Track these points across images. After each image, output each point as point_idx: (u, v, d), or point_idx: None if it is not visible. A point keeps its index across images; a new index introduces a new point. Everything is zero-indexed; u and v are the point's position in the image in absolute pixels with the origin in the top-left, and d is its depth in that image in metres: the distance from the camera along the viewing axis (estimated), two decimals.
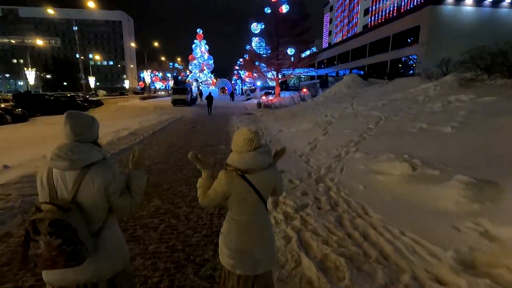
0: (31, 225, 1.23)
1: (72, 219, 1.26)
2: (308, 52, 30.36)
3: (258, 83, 49.81)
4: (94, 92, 64.59)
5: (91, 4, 28.83)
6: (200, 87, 54.71)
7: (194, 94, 33.81)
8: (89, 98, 28.50)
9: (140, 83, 76.82)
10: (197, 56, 61.28)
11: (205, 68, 61.86)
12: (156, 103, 31.45)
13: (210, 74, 65.55)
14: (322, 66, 49.74)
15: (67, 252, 1.23)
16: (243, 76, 60.53)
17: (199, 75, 62.19)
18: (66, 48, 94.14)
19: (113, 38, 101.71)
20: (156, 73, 69.60)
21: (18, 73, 75.53)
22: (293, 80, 50.85)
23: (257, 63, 31.23)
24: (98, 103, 26.79)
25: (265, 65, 30.09)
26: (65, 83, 76.74)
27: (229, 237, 1.66)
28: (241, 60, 63.12)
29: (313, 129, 9.36)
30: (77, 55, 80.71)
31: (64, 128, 1.37)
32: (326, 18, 75.70)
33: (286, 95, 28.45)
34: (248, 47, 44.12)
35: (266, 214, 1.73)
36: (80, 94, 32.96)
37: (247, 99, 39.29)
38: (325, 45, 69.08)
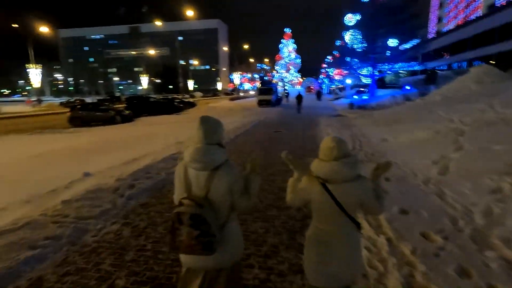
0: (176, 216, 1.44)
1: (207, 214, 1.41)
2: (407, 45, 25.50)
3: (348, 81, 45.78)
4: (191, 93, 72.36)
5: (190, 13, 31.29)
6: (286, 87, 54.04)
7: (279, 95, 33.12)
8: (185, 100, 31.09)
9: (230, 84, 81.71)
10: (284, 56, 60.90)
11: (291, 67, 60.96)
12: (243, 103, 32.09)
13: (296, 74, 64.35)
14: (428, 59, 42.03)
15: (203, 242, 1.40)
16: (331, 74, 57.02)
17: (285, 75, 61.68)
18: (173, 55, 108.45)
19: (210, 44, 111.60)
20: (245, 75, 72.69)
21: (137, 79, 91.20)
22: (389, 77, 44.78)
23: (348, 59, 28.24)
24: (192, 104, 28.89)
25: (358, 61, 26.89)
26: (170, 86, 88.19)
27: (309, 243, 1.66)
28: (329, 57, 59.77)
29: (435, 140, 6.92)
30: (181, 61, 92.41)
31: (198, 131, 1.51)
32: (435, 3, 64.30)
33: (383, 93, 24.67)
34: (338, 42, 40.89)
35: (351, 229, 1.56)
36: (179, 95, 36.54)
37: (336, 98, 36.37)
38: (431, 34, 58.76)
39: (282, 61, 61.90)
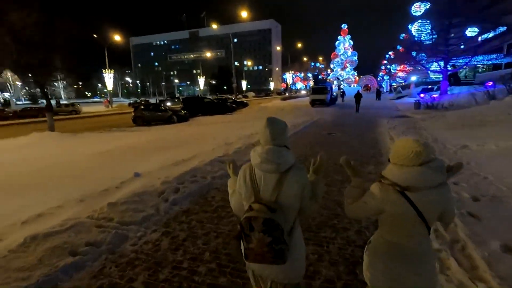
0: (247, 222, 1.32)
1: (280, 220, 1.31)
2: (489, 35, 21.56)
3: (413, 78, 41.45)
4: (244, 94, 73.87)
5: (244, 15, 31.65)
6: (342, 86, 51.53)
7: (334, 94, 31.46)
8: (238, 100, 31.60)
9: (282, 84, 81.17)
10: (340, 53, 58.07)
11: (347, 65, 57.83)
12: (294, 103, 31.35)
13: (352, 71, 60.86)
14: None
15: (275, 250, 1.31)
16: (393, 71, 52.44)
17: (341, 73, 58.78)
18: (228, 57, 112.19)
19: (263, 45, 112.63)
20: (297, 74, 71.43)
21: (195, 81, 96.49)
22: (464, 72, 39.24)
23: (414, 54, 25.43)
24: (244, 104, 29.21)
25: (426, 55, 23.99)
26: (225, 87, 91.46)
27: (376, 259, 1.49)
28: (390, 53, 55.01)
29: None
30: (236, 63, 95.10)
31: (264, 133, 1.44)
32: None
33: (458, 91, 21.53)
34: (402, 36, 37.25)
35: (428, 241, 1.44)
36: (231, 96, 37.37)
37: (398, 97, 33.15)
38: None
39: (337, 59, 59.06)
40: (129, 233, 3.29)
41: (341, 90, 36.90)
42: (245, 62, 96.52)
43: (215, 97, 33.36)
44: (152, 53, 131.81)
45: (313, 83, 31.15)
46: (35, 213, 3.79)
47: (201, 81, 56.71)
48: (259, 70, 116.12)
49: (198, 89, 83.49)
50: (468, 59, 22.13)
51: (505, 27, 20.18)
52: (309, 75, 79.65)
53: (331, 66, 61.96)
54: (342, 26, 58.40)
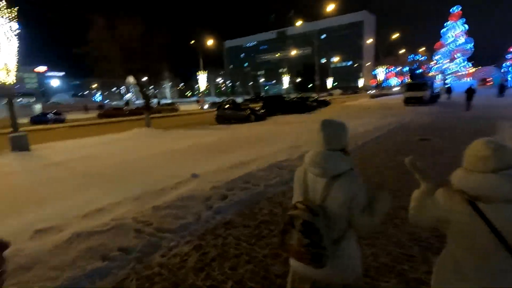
0: (289, 219, 1.35)
1: (320, 224, 1.29)
2: None
3: None
4: (330, 91, 70.57)
5: (332, 8, 29.89)
6: (448, 81, 43.62)
7: (437, 90, 26.58)
8: (319, 99, 30.21)
9: (373, 80, 74.05)
10: (447, 42, 49.01)
11: (458, 55, 48.37)
12: (384, 101, 28.00)
13: (465, 63, 50.60)
14: None
15: (312, 253, 1.29)
16: None
17: (448, 66, 49.67)
18: (314, 54, 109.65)
19: (354, 39, 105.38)
20: (391, 69, 63.73)
21: (281, 80, 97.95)
22: None
23: None
24: (326, 103, 27.69)
25: None
26: (309, 85, 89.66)
27: (442, 277, 1.33)
28: None
29: None
30: (323, 60, 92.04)
31: (318, 136, 1.42)
32: None
33: None
34: None
35: (509, 265, 1.11)
36: (313, 94, 36.03)
37: None
38: None
39: (444, 49, 50.03)
40: (162, 242, 3.15)
41: (447, 86, 30.96)
42: (332, 59, 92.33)
43: (296, 96, 32.72)
44: (243, 55, 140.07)
45: (409, 78, 27.08)
46: (97, 207, 4.10)
47: (286, 79, 56.89)
48: (348, 67, 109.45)
49: (282, 87, 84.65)
50: None
51: None
52: (406, 69, 69.92)
53: (435, 58, 52.93)
54: (453, 9, 49.05)
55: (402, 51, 64.10)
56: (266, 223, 3.61)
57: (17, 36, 10.69)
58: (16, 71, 10.77)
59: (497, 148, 1.14)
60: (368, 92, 53.54)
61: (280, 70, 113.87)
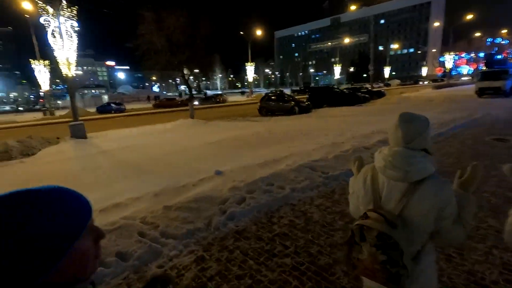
0: (358, 229, 1.15)
1: (401, 238, 1.08)
2: None
3: None
4: (387, 82, 64.94)
5: None
6: None
7: None
8: (373, 89, 27.78)
9: (438, 68, 65.85)
10: None
11: None
12: (452, 92, 24.52)
13: None
14: None
15: (390, 272, 1.09)
16: None
17: None
18: (370, 42, 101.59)
19: (418, 23, 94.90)
20: (462, 55, 55.65)
21: (333, 70, 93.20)
22: None
23: None
24: (380, 94, 25.34)
25: None
26: (364, 75, 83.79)
27: None
28: None
29: None
30: (380, 48, 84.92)
31: (395, 133, 1.19)
32: None
33: None
34: None
35: None
36: (367, 85, 33.34)
37: None
38: None
39: None
40: (163, 249, 2.88)
41: None
42: (390, 46, 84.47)
43: (346, 87, 30.58)
44: (293, 45, 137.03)
45: (484, 65, 23.22)
46: (117, 201, 4.05)
47: (337, 69, 53.78)
48: (409, 54, 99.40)
49: (334, 78, 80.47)
50: None
51: None
52: (481, 55, 59.80)
53: None
54: None
55: (478, 34, 55.57)
56: (283, 237, 3.11)
57: (76, 33, 11.63)
58: (75, 65, 11.77)
59: None
60: (435, 81, 47.86)
61: (332, 60, 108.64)
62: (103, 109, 31.38)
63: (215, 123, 14.59)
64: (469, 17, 41.44)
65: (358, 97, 20.94)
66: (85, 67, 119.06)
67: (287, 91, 45.18)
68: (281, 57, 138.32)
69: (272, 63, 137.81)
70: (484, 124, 9.55)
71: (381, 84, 57.55)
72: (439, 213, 1.13)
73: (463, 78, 54.16)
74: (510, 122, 9.56)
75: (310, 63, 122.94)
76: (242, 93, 50.45)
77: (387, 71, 60.80)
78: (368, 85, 32.68)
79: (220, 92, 51.18)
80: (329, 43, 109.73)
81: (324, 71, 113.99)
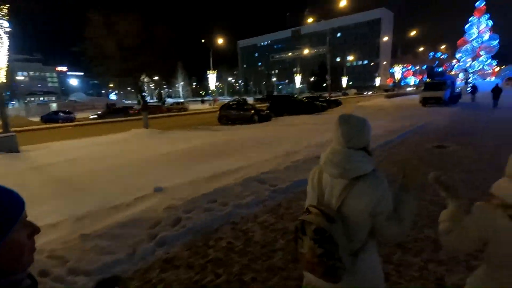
0: (300, 224, 1.21)
1: (335, 232, 1.13)
2: None
3: None
4: (344, 91, 68.52)
5: (347, 5, 28.61)
6: (471, 79, 41.15)
7: (458, 90, 24.70)
8: (330, 98, 28.96)
9: (389, 79, 71.37)
10: (471, 39, 46.25)
11: (481, 53, 45.56)
12: (401, 101, 26.39)
13: (489, 61, 47.61)
14: None
15: (327, 265, 1.13)
16: None
17: (471, 64, 46.90)
18: (330, 53, 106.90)
19: (371, 37, 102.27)
20: (409, 67, 61.02)
21: (294, 79, 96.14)
22: None
23: None
24: (337, 103, 26.45)
25: None
26: (324, 84, 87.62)
27: None
28: None
29: None
30: (338, 59, 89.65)
31: (336, 132, 1.25)
32: None
33: None
34: None
35: None
36: (325, 94, 34.72)
37: None
38: None
39: (467, 46, 47.16)
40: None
41: (470, 85, 28.86)
42: (347, 58, 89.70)
43: (305, 96, 31.55)
44: (256, 54, 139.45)
45: (426, 77, 25.39)
46: None
47: (298, 79, 55.58)
48: (364, 65, 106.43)
49: (296, 87, 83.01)
50: None
51: None
52: (424, 67, 66.37)
53: (457, 55, 50.04)
54: (477, 4, 46.14)
55: (422, 48, 61.29)
56: (217, 263, 2.78)
57: (7, 34, 10.37)
58: (21, 70, 10.47)
59: None
60: (387, 91, 51.50)
61: (294, 69, 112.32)
62: (49, 118, 28.68)
63: (172, 133, 13.91)
64: (413, 33, 45.58)
65: (317, 106, 21.59)
66: (31, 73, 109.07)
67: (251, 99, 45.49)
68: (245, 65, 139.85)
69: (236, 72, 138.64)
70: (427, 132, 10.22)
71: (340, 94, 60.51)
72: (373, 209, 1.17)
73: (408, 89, 59.20)
74: (450, 130, 10.34)
75: (273, 72, 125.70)
76: (202, 101, 49.59)
77: (344, 81, 64.28)
78: (326, 94, 34.02)
79: (182, 100, 49.82)
80: (291, 54, 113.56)
81: (287, 80, 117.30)
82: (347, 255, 1.15)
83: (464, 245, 1.17)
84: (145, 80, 16.19)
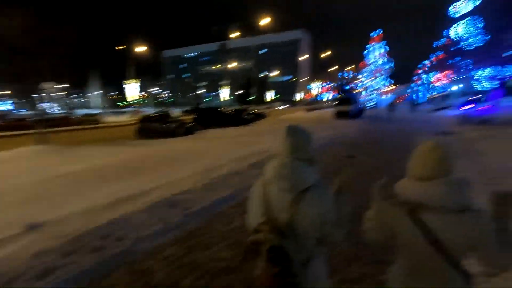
0: (251, 245, 1.18)
1: (290, 247, 1.13)
2: None
3: (454, 88, 37.09)
4: (269, 105, 72.16)
5: (266, 21, 30.22)
6: (372, 97, 48.17)
7: (361, 105, 28.50)
8: (256, 111, 29.85)
9: (308, 94, 78.55)
10: (370, 62, 54.58)
11: (380, 74, 54.12)
12: (318, 115, 28.85)
13: (385, 81, 56.84)
14: None
15: (283, 283, 1.11)
16: (429, 80, 47.88)
17: (371, 83, 55.16)
18: (255, 68, 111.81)
19: (292, 55, 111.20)
20: (324, 84, 68.53)
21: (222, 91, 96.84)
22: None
23: (457, 59, 22.09)
24: (262, 116, 27.33)
25: (473, 61, 20.64)
26: (251, 98, 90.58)
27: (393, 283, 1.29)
28: (427, 62, 50.40)
29: None
30: (264, 73, 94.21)
31: (283, 144, 1.27)
32: None
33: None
34: (442, 41, 33.70)
35: (456, 281, 1.10)
36: (251, 107, 35.74)
37: (438, 109, 29.36)
38: None
39: (368, 68, 55.53)
40: None
41: (371, 101, 33.70)
42: (271, 73, 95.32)
43: (232, 108, 31.88)
44: (183, 65, 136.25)
45: (338, 93, 28.56)
46: None
47: (226, 91, 56.16)
48: (287, 81, 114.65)
49: (224, 99, 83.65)
50: None
51: None
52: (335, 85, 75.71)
53: (360, 76, 58.42)
54: (372, 34, 54.99)
55: (334, 68, 69.46)
56: None
57: None
58: None
59: (443, 155, 1.12)
60: (307, 105, 55.98)
61: (222, 82, 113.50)
62: None
63: (78, 149, 11.88)
64: (327, 54, 51.28)
65: (243, 118, 21.84)
66: None
67: (178, 111, 43.54)
68: (172, 76, 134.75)
69: (163, 82, 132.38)
70: (340, 142, 11.16)
71: (266, 106, 63.41)
72: (323, 218, 1.18)
73: (324, 104, 66.37)
74: (358, 141, 11.51)
75: (202, 84, 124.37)
76: (121, 113, 45.25)
77: (270, 94, 67.78)
78: (251, 107, 35.02)
79: (95, 112, 44.52)
80: (218, 66, 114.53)
81: (215, 93, 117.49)
82: (299, 269, 1.13)
83: (381, 239, 1.27)
84: (48, 87, 13.67)
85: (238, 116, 22.14)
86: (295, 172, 1.19)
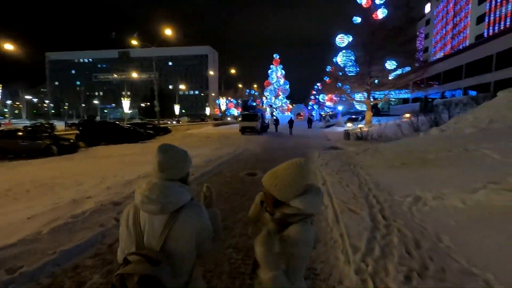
0: (119, 280, 1.03)
1: (163, 274, 1.04)
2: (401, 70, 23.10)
3: (340, 108, 43.75)
4: (178, 118, 69.13)
5: (174, 35, 28.98)
6: (275, 113, 51.87)
7: (267, 121, 30.15)
8: (159, 126, 27.77)
9: (216, 109, 79.39)
10: (273, 82, 59.43)
11: (280, 93, 59.31)
12: (225, 130, 28.94)
13: (285, 100, 62.64)
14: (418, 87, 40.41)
15: None
16: (322, 101, 55.32)
17: (274, 101, 59.86)
18: (162, 80, 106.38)
19: (200, 70, 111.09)
20: (231, 100, 70.82)
21: (121, 103, 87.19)
22: (380, 104, 42.97)
23: (340, 85, 25.95)
24: (166, 130, 25.55)
25: (349, 86, 24.59)
26: (157, 111, 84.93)
27: None
28: (318, 84, 58.43)
29: None
30: (171, 86, 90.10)
31: (154, 162, 1.21)
32: (421, 35, 65.16)
33: (380, 121, 21.95)
34: (329, 68, 39.20)
35: None
36: (154, 121, 33.24)
37: (327, 126, 33.75)
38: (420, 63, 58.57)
39: (271, 87, 60.23)
40: None
41: (274, 118, 36.19)
42: (179, 86, 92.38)
43: (137, 122, 28.86)
44: (73, 71, 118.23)
45: (242, 110, 29.40)
46: None
47: (126, 103, 50.65)
48: (195, 95, 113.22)
49: (125, 112, 75.30)
50: (387, 92, 23.16)
51: (420, 63, 21.64)
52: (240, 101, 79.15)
53: (265, 94, 62.81)
54: (274, 56, 60.35)
55: (241, 85, 72.43)
56: None
57: None
58: None
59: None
60: (216, 120, 55.95)
61: (123, 93, 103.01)
62: None
63: None
64: (233, 71, 53.01)
65: (141, 134, 19.60)
66: None
67: (61, 124, 36.56)
68: (56, 83, 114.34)
69: (45, 90, 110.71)
70: (243, 158, 10.99)
71: (173, 121, 60.38)
72: (199, 236, 1.15)
73: (228, 119, 68.32)
74: (260, 157, 11.60)
75: (96, 94, 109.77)
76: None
77: (177, 108, 64.92)
78: (154, 121, 32.53)
79: None
80: (120, 76, 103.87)
81: (114, 104, 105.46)
82: None
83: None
84: None
85: (135, 131, 19.73)
86: (164, 193, 1.12)
